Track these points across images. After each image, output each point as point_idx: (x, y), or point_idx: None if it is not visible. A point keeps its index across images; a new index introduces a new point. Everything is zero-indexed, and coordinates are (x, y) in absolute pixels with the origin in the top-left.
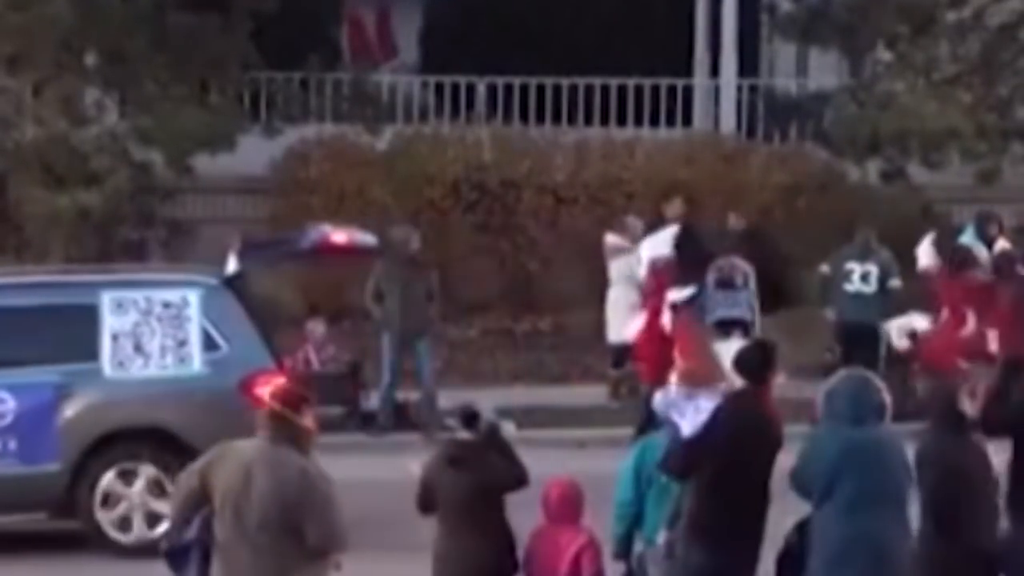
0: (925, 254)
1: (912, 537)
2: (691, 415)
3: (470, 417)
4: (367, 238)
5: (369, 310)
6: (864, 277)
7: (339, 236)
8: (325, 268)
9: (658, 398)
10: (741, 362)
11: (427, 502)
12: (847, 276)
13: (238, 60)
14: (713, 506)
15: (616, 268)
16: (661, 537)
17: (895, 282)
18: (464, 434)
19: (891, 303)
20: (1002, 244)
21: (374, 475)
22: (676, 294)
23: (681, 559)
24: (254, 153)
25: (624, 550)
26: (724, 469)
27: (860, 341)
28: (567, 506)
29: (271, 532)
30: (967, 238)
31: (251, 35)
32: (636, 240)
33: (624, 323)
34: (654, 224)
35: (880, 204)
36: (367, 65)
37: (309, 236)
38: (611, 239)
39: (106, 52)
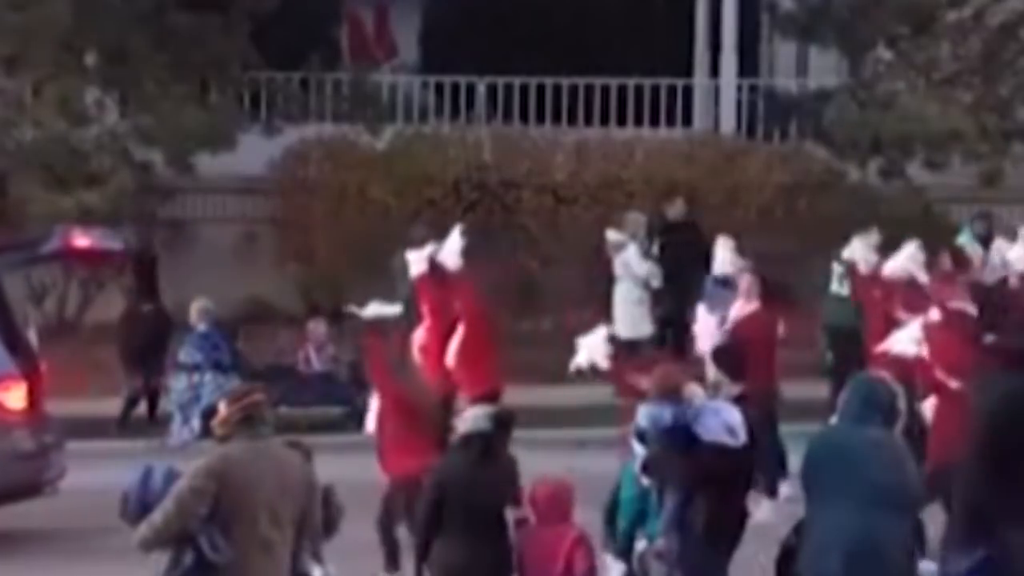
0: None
1: (904, 538)
2: (711, 419)
3: (507, 421)
4: (113, 242)
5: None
6: (841, 279)
7: (82, 240)
8: (74, 271)
9: (654, 410)
10: (725, 360)
11: (440, 505)
12: (830, 278)
13: (238, 60)
14: (731, 509)
15: (620, 263)
16: (660, 544)
17: None
18: (489, 431)
19: None
20: (999, 243)
21: (374, 475)
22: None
23: (698, 561)
24: (254, 153)
25: (626, 547)
26: (747, 471)
27: (842, 343)
28: (558, 506)
29: (292, 525)
30: (964, 238)
31: (251, 35)
32: (635, 235)
33: (631, 318)
34: (656, 223)
35: (880, 204)
36: (367, 65)
37: (52, 240)
38: (612, 235)
39: (106, 52)
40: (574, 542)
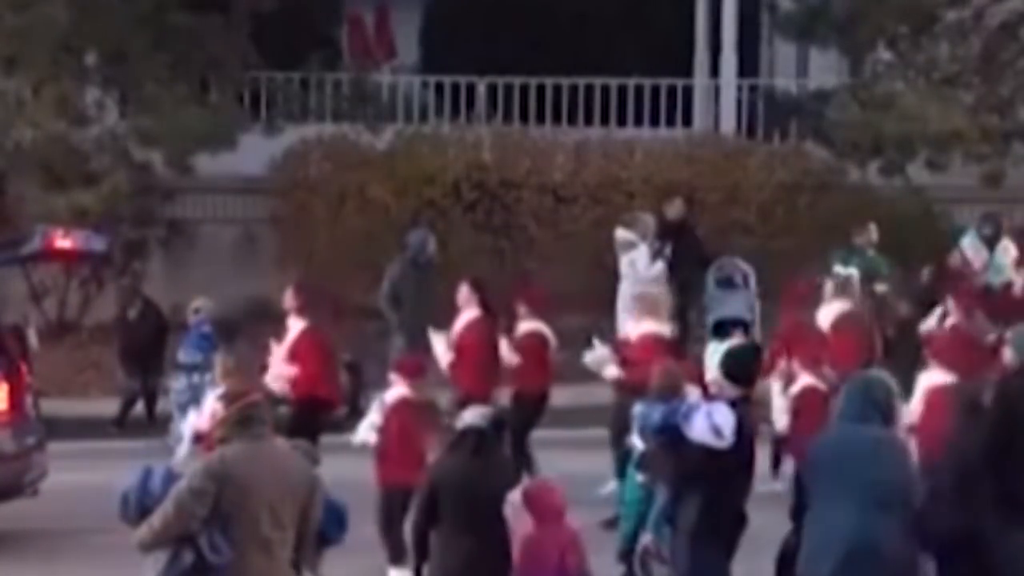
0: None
1: (904, 536)
2: (700, 419)
3: (500, 424)
4: (96, 243)
5: (383, 312)
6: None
7: (64, 241)
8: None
9: (645, 408)
10: (734, 368)
11: (435, 502)
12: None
13: (238, 60)
14: (722, 508)
15: (627, 262)
16: (647, 540)
17: (880, 286)
18: (482, 427)
19: (878, 306)
20: (1005, 244)
21: (374, 475)
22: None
23: (689, 559)
24: (254, 153)
25: (629, 549)
26: (741, 473)
27: None
28: (551, 506)
29: (293, 526)
30: (969, 240)
31: (251, 35)
32: (645, 236)
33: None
34: (656, 223)
35: (880, 204)
36: (367, 65)
37: (33, 241)
38: (621, 233)
39: (106, 52)
40: (567, 541)
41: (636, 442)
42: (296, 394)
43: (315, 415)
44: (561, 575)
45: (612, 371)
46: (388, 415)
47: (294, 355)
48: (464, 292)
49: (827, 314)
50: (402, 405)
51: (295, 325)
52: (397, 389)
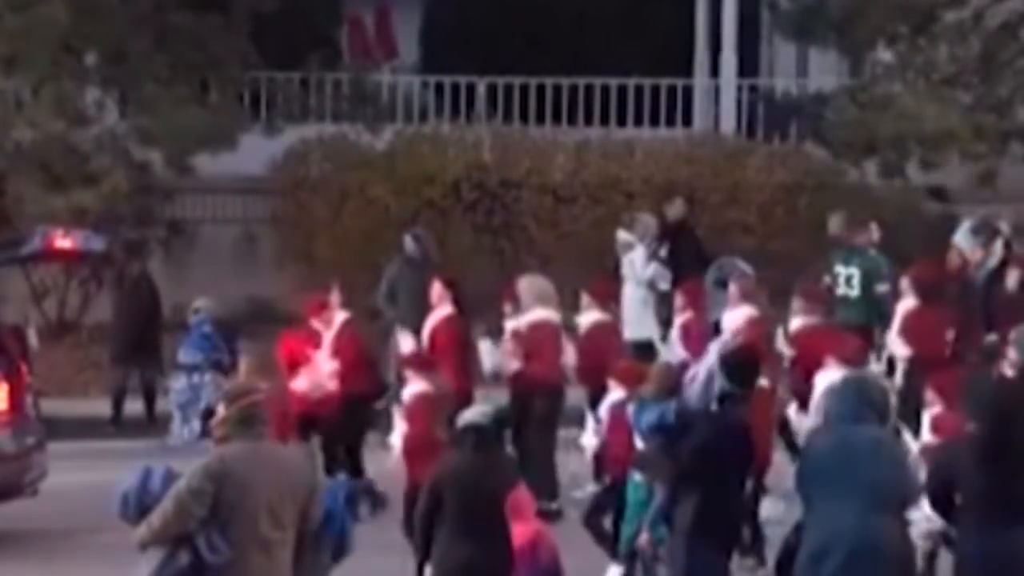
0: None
1: (904, 536)
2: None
3: (501, 422)
4: (95, 242)
5: (382, 311)
6: (848, 280)
7: (64, 241)
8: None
9: (641, 408)
10: (735, 369)
11: (438, 500)
12: (835, 280)
13: (238, 60)
14: (723, 509)
15: (627, 264)
16: (643, 540)
17: (881, 286)
18: (481, 424)
19: (879, 307)
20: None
21: (374, 474)
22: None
23: (685, 558)
24: (254, 153)
25: (632, 550)
26: (736, 472)
27: None
28: (516, 507)
29: (294, 526)
30: (961, 235)
31: (251, 35)
32: (643, 237)
33: (636, 318)
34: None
35: (880, 204)
36: (367, 65)
37: (33, 241)
38: (621, 235)
39: (106, 52)
40: (535, 534)
41: (586, 442)
42: (338, 389)
43: (358, 409)
44: (534, 570)
45: (513, 365)
46: (410, 413)
47: (337, 348)
48: (437, 290)
49: (732, 318)
50: (422, 400)
51: (338, 318)
52: (414, 385)
